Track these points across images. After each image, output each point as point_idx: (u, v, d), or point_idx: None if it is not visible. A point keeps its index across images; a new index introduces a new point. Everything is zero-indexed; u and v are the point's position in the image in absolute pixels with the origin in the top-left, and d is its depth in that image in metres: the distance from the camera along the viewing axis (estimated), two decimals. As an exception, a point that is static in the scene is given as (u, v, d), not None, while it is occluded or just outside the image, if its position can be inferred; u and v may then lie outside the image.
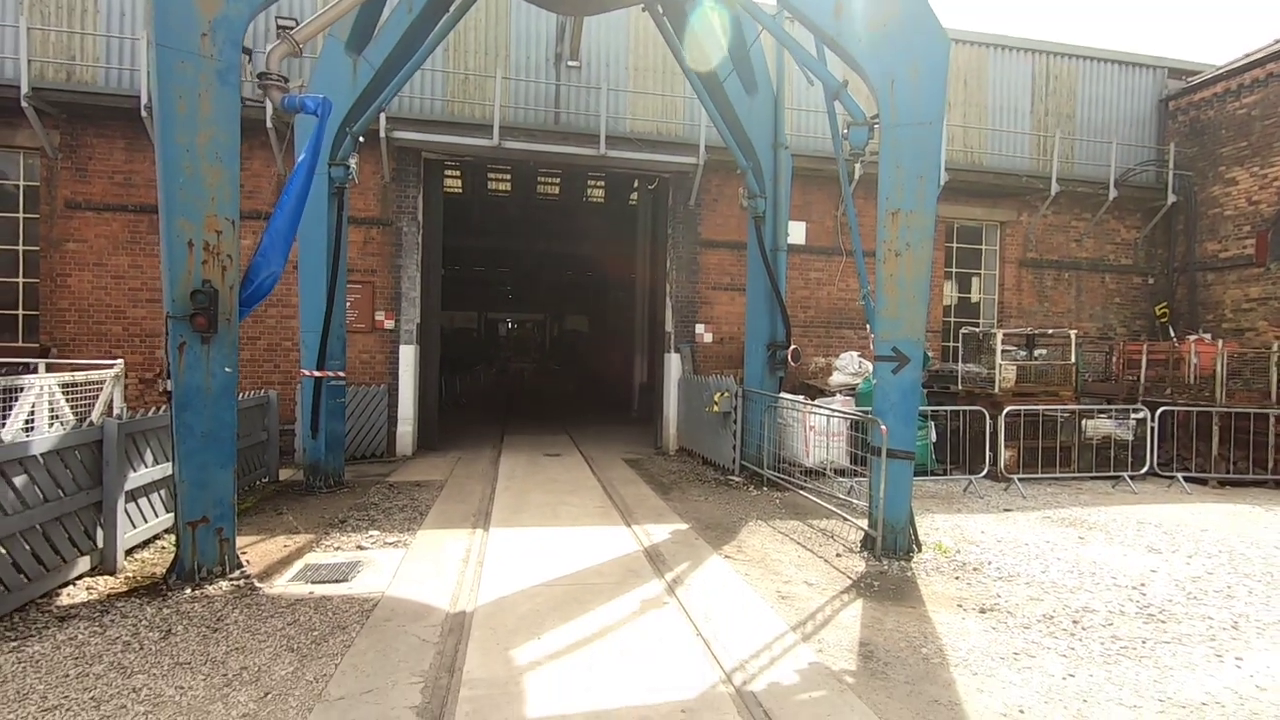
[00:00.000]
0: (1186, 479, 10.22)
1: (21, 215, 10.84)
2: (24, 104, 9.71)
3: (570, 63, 11.95)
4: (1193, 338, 13.08)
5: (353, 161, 8.59)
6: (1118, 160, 14.18)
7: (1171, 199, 14.35)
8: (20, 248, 10.83)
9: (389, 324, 11.67)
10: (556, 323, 39.04)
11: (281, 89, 5.78)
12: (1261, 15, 53.06)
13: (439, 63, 11.57)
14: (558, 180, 17.29)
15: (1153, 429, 10.24)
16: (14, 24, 10.10)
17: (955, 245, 14.46)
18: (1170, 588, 5.82)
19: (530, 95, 12.02)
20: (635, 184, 16.14)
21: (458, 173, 17.04)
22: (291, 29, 10.43)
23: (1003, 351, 10.96)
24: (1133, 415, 10.58)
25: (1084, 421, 10.60)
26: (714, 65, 8.97)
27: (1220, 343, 11.25)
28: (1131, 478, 10.12)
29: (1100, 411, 10.77)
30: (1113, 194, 13.97)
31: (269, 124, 10.30)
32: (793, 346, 9.69)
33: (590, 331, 35.28)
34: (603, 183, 17.48)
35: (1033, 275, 14.56)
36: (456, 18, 8.36)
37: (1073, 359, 11.06)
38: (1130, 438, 10.66)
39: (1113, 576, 6.07)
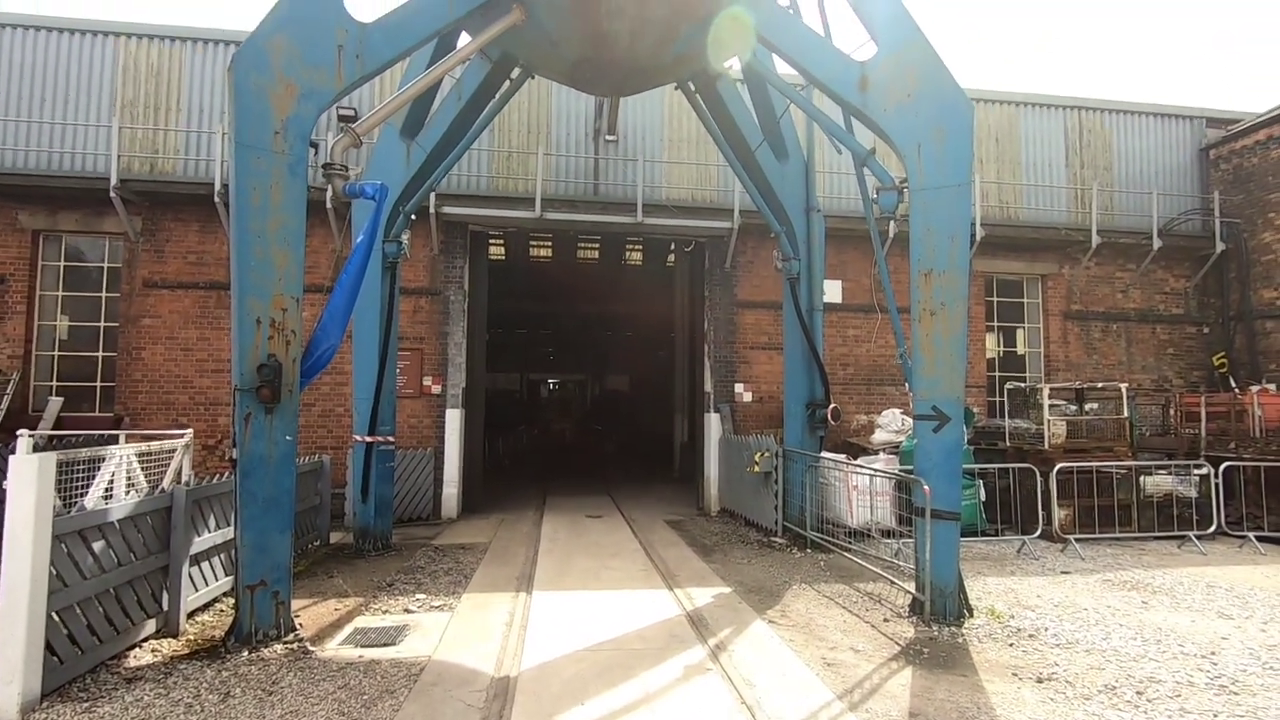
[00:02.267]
0: (1260, 539, 9.70)
1: (104, 294, 11.72)
2: (112, 194, 10.64)
3: (608, 137, 12.55)
4: (1255, 389, 12.58)
5: (405, 238, 9.13)
6: (1160, 210, 14.02)
7: (1220, 247, 14.06)
8: (102, 324, 11.68)
9: (436, 389, 12.07)
10: (597, 383, 39.43)
11: (344, 178, 6.28)
12: (1305, 59, 52.47)
13: (485, 142, 12.28)
14: (597, 245, 17.85)
15: (1217, 485, 9.80)
16: (108, 124, 11.16)
17: (996, 299, 14.35)
18: (1245, 657, 5.51)
19: (570, 169, 12.62)
20: (672, 247, 16.55)
21: (501, 241, 17.75)
22: (352, 118, 11.23)
23: (1051, 406, 10.71)
24: (1195, 471, 10.16)
25: (1142, 478, 10.21)
26: (745, 136, 9.34)
27: (1284, 394, 10.80)
28: (1198, 537, 9.64)
29: (1159, 467, 10.37)
30: (1157, 244, 13.77)
31: (328, 204, 11.03)
32: (832, 405, 9.68)
33: (630, 391, 35.53)
34: (640, 247, 17.97)
35: (1079, 327, 14.29)
36: (502, 103, 8.95)
37: (1125, 413, 10.73)
38: (1194, 495, 10.21)
39: (1180, 644, 5.79)
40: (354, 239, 9.15)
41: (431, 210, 11.44)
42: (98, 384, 11.65)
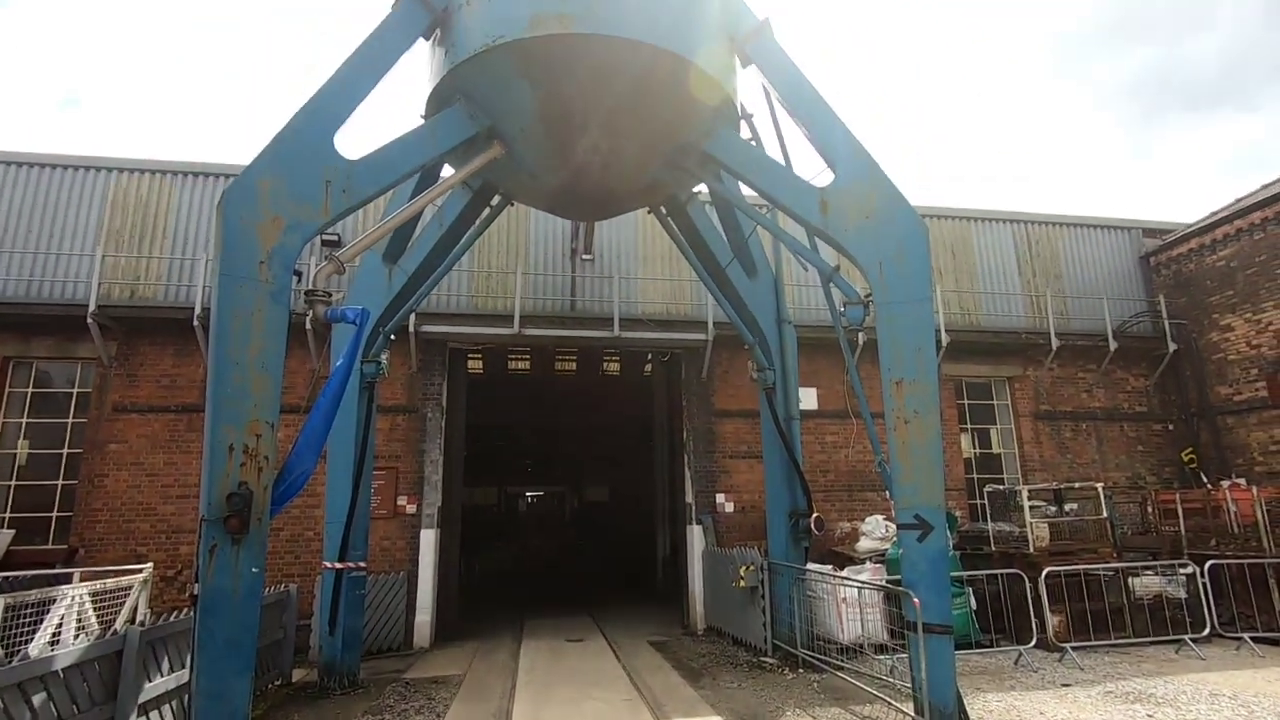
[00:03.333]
0: (1255, 639, 9.53)
1: (70, 420, 11.46)
2: (89, 320, 10.66)
3: (584, 256, 13.04)
4: (1226, 484, 12.76)
5: (384, 358, 9.19)
6: (1111, 313, 14.72)
7: (1173, 347, 14.68)
8: (65, 451, 11.34)
9: (411, 509, 11.75)
10: (576, 496, 38.65)
11: (325, 303, 6.40)
12: (1197, 178, 57.79)
13: (464, 262, 12.65)
14: (574, 358, 18.09)
15: (1204, 584, 9.72)
16: (91, 253, 11.35)
17: (967, 402, 14.66)
18: (1259, 773, 5.28)
19: (548, 287, 13.00)
20: (649, 357, 16.83)
21: (479, 356, 17.92)
22: (336, 243, 11.56)
23: (1032, 508, 10.72)
24: (1180, 571, 10.09)
25: (1130, 580, 10.10)
26: (715, 255, 9.78)
27: (1254, 489, 10.97)
28: (1194, 640, 9.44)
29: (1145, 568, 10.30)
30: (1113, 345, 14.35)
31: (307, 325, 11.12)
32: (815, 514, 9.58)
33: (610, 503, 34.80)
34: (617, 358, 18.23)
35: (1049, 427, 14.57)
36: (483, 228, 9.34)
37: (1104, 513, 10.77)
38: (1183, 595, 10.08)
39: (1192, 762, 5.54)
40: (332, 361, 9.20)
41: (411, 329, 11.59)
42: (54, 514, 11.15)
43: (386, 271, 9.18)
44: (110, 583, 7.60)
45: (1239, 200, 15.11)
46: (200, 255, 11.59)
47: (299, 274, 6.29)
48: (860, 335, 12.96)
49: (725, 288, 10.14)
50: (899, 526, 6.49)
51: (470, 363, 18.02)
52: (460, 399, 12.85)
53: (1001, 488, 11.95)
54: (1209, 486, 13.24)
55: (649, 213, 9.64)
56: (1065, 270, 15.44)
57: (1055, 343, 13.99)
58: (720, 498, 12.78)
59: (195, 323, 10.85)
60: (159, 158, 13.11)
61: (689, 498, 12.89)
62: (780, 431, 9.94)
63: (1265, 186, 14.95)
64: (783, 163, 8.30)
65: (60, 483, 11.25)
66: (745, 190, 9.77)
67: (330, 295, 6.61)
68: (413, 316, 11.44)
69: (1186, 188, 57.76)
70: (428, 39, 7.62)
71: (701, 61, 7.25)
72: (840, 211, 7.09)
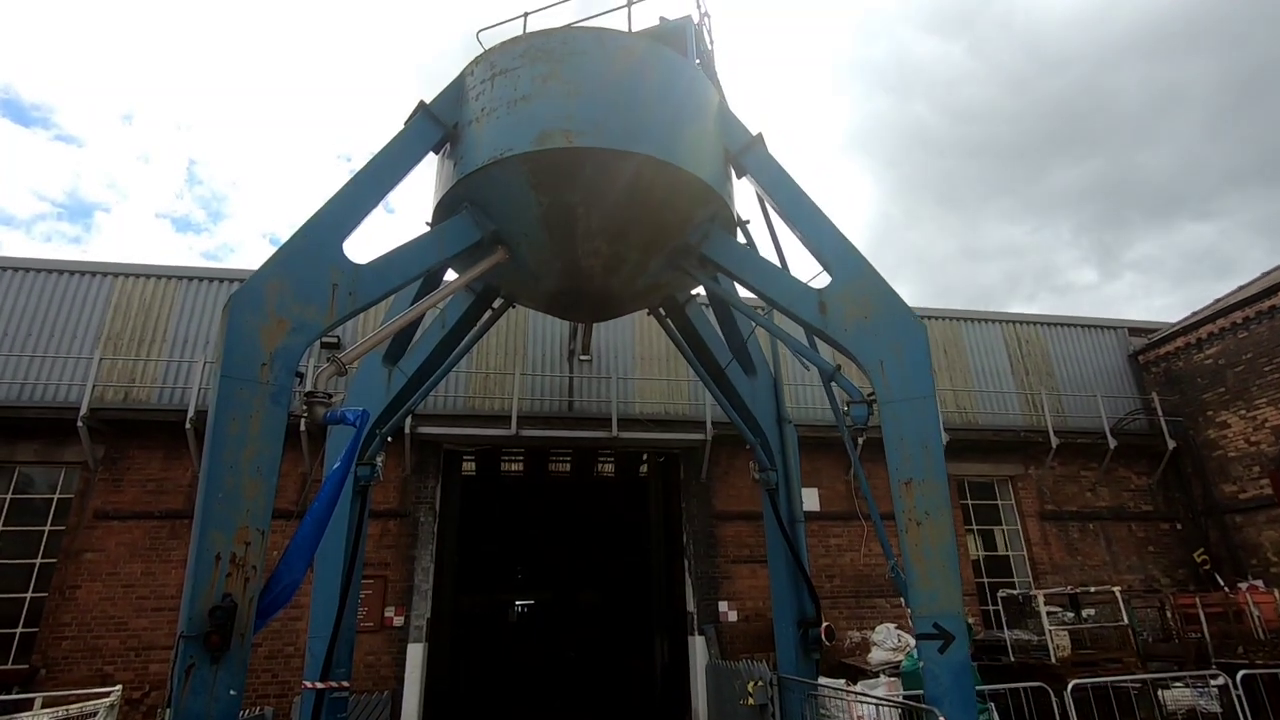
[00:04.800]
0: (1300, 759, 8.90)
1: (48, 528, 11.03)
2: (79, 423, 10.48)
3: (582, 357, 13.13)
4: (1244, 586, 12.38)
5: (379, 460, 9.00)
6: (1106, 411, 14.77)
7: (1171, 444, 14.65)
8: (38, 560, 10.84)
9: (398, 620, 11.16)
10: (570, 602, 37.05)
11: (326, 405, 6.31)
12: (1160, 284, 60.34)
13: (462, 364, 12.67)
14: (569, 459, 17.84)
15: (1239, 696, 9.18)
16: (89, 356, 11.33)
17: (970, 501, 14.40)
18: None
19: (545, 387, 13.00)
20: (644, 458, 16.60)
21: (473, 457, 17.66)
22: (336, 344, 11.60)
23: (1049, 614, 10.29)
24: (1212, 682, 9.56)
25: (1160, 692, 9.55)
26: (715, 355, 9.85)
27: (1277, 592, 10.62)
28: (1237, 761, 8.81)
29: (1174, 679, 9.76)
30: (1112, 443, 14.30)
31: (302, 428, 10.99)
32: (825, 624, 9.13)
33: (605, 610, 33.31)
34: (612, 459, 18.00)
35: (1056, 528, 14.26)
36: (484, 330, 9.42)
37: (1125, 618, 10.33)
38: (1218, 709, 9.50)
39: None
40: (327, 464, 9.00)
41: (406, 430, 11.45)
42: (19, 630, 10.50)
43: (386, 374, 9.15)
44: (74, 709, 7.04)
45: (1218, 300, 15.56)
46: (198, 358, 11.60)
47: (301, 375, 6.23)
48: (861, 435, 12.89)
49: (725, 388, 10.14)
50: (917, 636, 6.16)
51: (464, 463, 17.76)
52: (454, 503, 12.52)
53: (1016, 593, 11.51)
54: (1226, 589, 12.84)
55: (648, 314, 9.78)
56: (1056, 369, 15.63)
57: (1055, 441, 13.94)
58: (723, 605, 12.24)
59: (188, 425, 10.69)
60: (165, 263, 13.38)
61: (690, 605, 12.34)
62: (785, 534, 9.63)
63: (1241, 287, 15.44)
64: (779, 266, 8.52)
65: (29, 595, 10.68)
66: (742, 292, 10.01)
67: (330, 397, 6.53)
68: (409, 418, 11.33)
69: (1153, 290, 60.12)
70: (437, 153, 7.99)
71: (699, 171, 7.59)
72: (839, 312, 7.20)
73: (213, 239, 75.69)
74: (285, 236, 6.48)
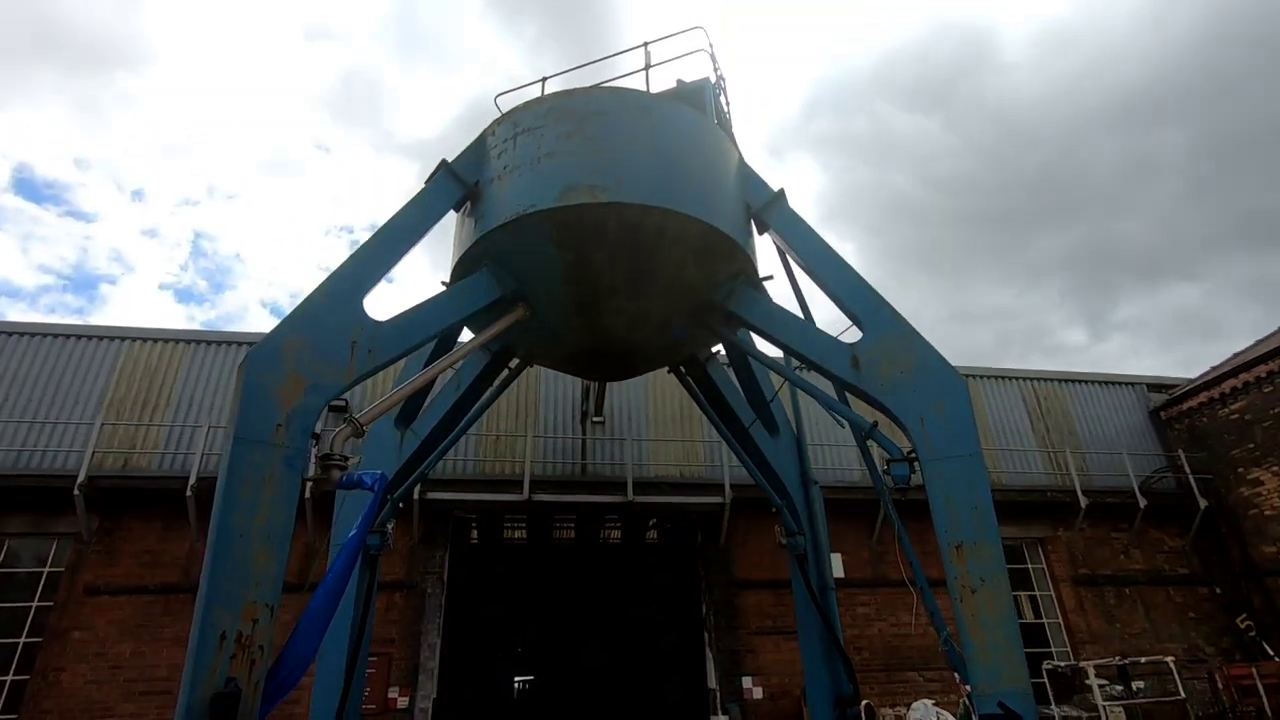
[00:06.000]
0: None
1: (35, 603, 10.45)
2: (76, 492, 10.06)
3: (595, 419, 12.81)
4: (1296, 653, 11.72)
5: (390, 527, 8.57)
6: (1133, 469, 14.35)
7: (1203, 503, 14.16)
8: (23, 640, 10.21)
9: (403, 702, 10.46)
10: (579, 678, 35.34)
11: (342, 468, 5.96)
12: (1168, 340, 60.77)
13: (473, 427, 12.36)
14: (576, 524, 17.21)
15: (1314, 780, 8.49)
16: (89, 421, 11.01)
17: (1000, 566, 13.80)
18: None
19: (558, 450, 12.63)
20: (651, 523, 16.02)
21: (476, 523, 17.05)
22: (343, 407, 11.30)
23: (1099, 687, 9.65)
24: (1282, 763, 8.87)
25: (1227, 775, 8.84)
26: (738, 414, 9.55)
27: (1339, 661, 10.00)
28: None
29: (1241, 760, 9.06)
30: (1142, 502, 13.82)
31: (306, 493, 10.55)
32: (865, 702, 8.52)
33: (618, 688, 31.72)
34: (619, 525, 17.39)
35: (1092, 594, 13.62)
36: (500, 390, 9.13)
37: (1180, 692, 9.69)
38: (1291, 794, 8.78)
39: None
40: (335, 533, 8.56)
41: (415, 496, 11.02)
42: (-4, 718, 9.81)
43: (398, 436, 8.82)
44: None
45: (1237, 355, 15.38)
46: (203, 422, 11.27)
47: (317, 437, 5.92)
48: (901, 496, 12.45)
49: (749, 448, 9.78)
50: (980, 717, 5.63)
51: (471, 532, 17.14)
52: (462, 573, 11.96)
53: (1063, 665, 10.84)
54: (1275, 656, 12.16)
55: (669, 372, 9.53)
56: (1079, 427, 15.30)
57: (1084, 500, 13.47)
58: (747, 681, 11.52)
59: (189, 493, 10.28)
60: (172, 326, 13.22)
61: (712, 682, 11.62)
62: (816, 603, 9.09)
63: (1260, 341, 15.29)
64: (806, 321, 8.32)
65: (10, 678, 10.01)
66: (765, 348, 9.79)
67: (347, 460, 6.20)
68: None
69: (1142, 351, 60.44)
70: (457, 211, 7.91)
71: (725, 227, 7.48)
72: (873, 367, 6.94)
73: (214, 309, 76.42)
74: (286, 306, 6.33)
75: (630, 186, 7.10)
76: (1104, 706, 9.15)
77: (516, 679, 36.07)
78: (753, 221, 8.28)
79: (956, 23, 57.38)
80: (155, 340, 12.48)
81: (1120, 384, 16.17)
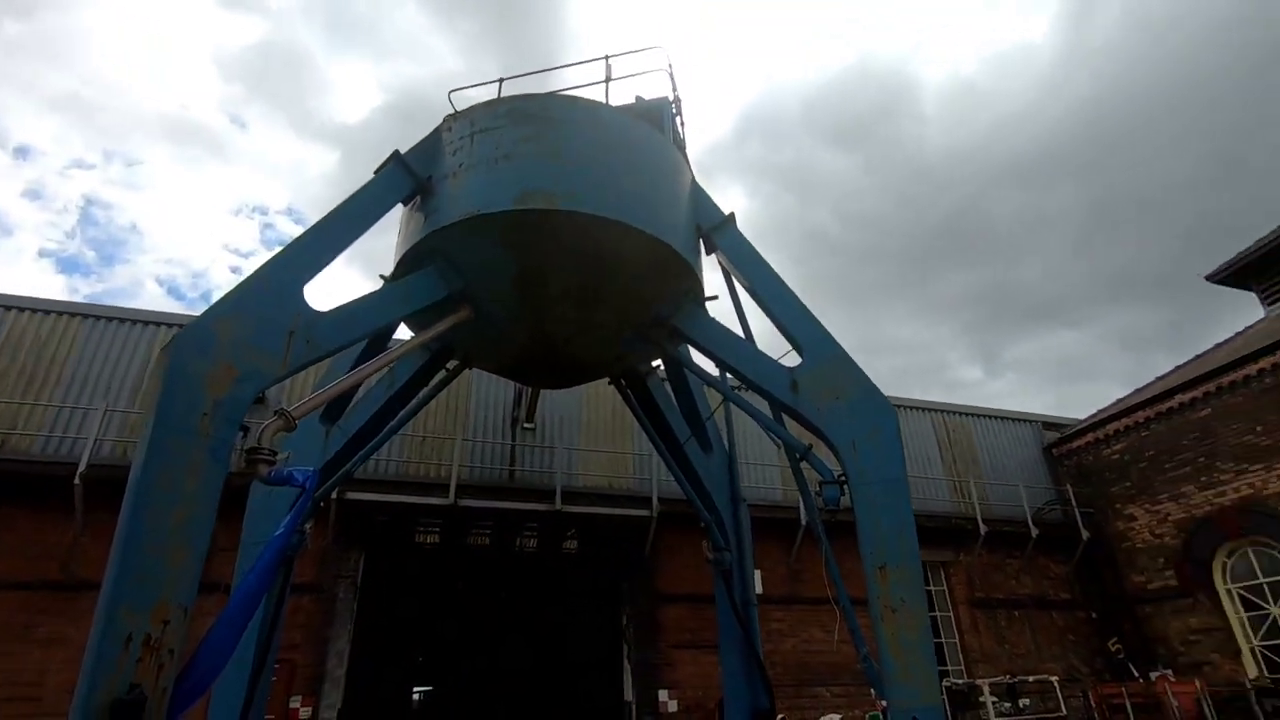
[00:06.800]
0: None
1: (-119, 599, 9.32)
2: (-58, 475, 9.08)
3: (526, 424, 12.65)
4: (1155, 674, 12.83)
5: (308, 527, 8.15)
6: (1027, 501, 15.43)
7: (1085, 534, 15.38)
8: None
9: (305, 712, 9.92)
10: (499, 680, 34.37)
11: (270, 463, 5.65)
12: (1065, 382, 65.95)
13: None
14: (489, 531, 16.85)
15: (1172, 792, 9.32)
16: (-37, 397, 9.98)
17: (904, 587, 14.49)
18: None
19: (487, 455, 12.40)
20: (570, 532, 15.90)
21: (394, 526, 16.43)
22: (261, 401, 10.68)
23: (989, 704, 10.27)
24: (1146, 776, 9.69)
25: (1099, 787, 9.58)
26: (674, 429, 9.66)
27: (1197, 682, 11.04)
28: None
29: (1110, 773, 9.84)
30: (1034, 531, 14.87)
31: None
32: (780, 716, 8.73)
33: (533, 704, 31.09)
34: (539, 534, 17.17)
35: (986, 616, 14.50)
36: (435, 391, 8.90)
37: (1062, 709, 10.44)
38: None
39: None
40: (245, 530, 8.06)
41: (333, 496, 10.54)
42: None
43: (324, 432, 8.43)
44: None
45: (1120, 400, 16.83)
46: (97, 404, 10.40)
47: (245, 430, 5.59)
48: (802, 514, 12.86)
49: (682, 464, 9.91)
50: (896, 732, 5.90)
51: (389, 535, 16.46)
52: (378, 577, 11.50)
53: (960, 683, 11.48)
54: (1140, 678, 13.28)
55: (610, 384, 9.55)
56: (982, 458, 16.32)
57: (983, 528, 14.36)
58: (663, 694, 11.59)
59: (78, 480, 9.44)
60: (65, 298, 12.16)
61: (629, 695, 11.62)
62: (739, 618, 9.28)
63: (1139, 390, 16.78)
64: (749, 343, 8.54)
65: None
66: (705, 366, 9.96)
67: (275, 454, 5.88)
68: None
69: (1029, 388, 65.35)
70: (406, 204, 7.69)
71: (676, 244, 7.60)
72: (811, 391, 7.20)
73: (102, 282, 70.74)
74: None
75: (587, 196, 7.12)
76: (996, 723, 9.75)
77: (419, 689, 34.81)
78: (701, 241, 8.47)
79: (878, 71, 60.79)
80: (46, 312, 11.44)
81: (1019, 420, 17.38)
